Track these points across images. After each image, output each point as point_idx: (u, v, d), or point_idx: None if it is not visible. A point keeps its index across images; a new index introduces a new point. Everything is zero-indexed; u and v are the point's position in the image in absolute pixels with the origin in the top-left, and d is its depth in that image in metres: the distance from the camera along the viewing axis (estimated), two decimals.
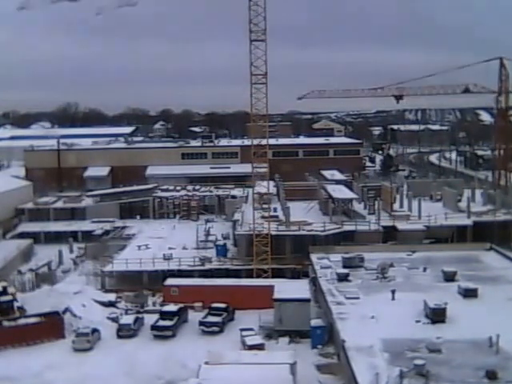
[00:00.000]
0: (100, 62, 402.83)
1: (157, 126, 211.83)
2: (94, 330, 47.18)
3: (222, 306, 50.92)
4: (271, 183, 73.37)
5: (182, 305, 51.68)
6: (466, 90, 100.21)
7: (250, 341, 43.67)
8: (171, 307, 51.11)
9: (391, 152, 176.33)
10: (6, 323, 47.96)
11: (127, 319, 49.68)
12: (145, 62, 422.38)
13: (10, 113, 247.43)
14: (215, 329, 48.73)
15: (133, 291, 58.02)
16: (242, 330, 46.40)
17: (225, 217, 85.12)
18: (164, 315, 49.52)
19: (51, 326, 47.70)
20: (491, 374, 32.95)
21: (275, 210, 72.45)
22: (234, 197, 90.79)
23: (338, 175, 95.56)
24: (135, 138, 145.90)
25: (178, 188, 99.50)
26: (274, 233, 62.71)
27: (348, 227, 65.79)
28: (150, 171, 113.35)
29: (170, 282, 56.96)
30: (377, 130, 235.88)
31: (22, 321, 48.35)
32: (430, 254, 59.83)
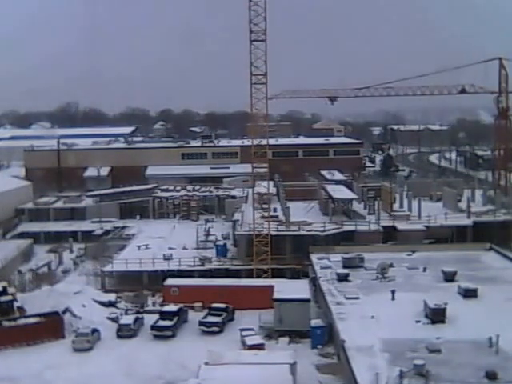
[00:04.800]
0: (100, 62, 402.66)
1: (157, 126, 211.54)
2: (94, 330, 47.20)
3: (222, 306, 50.94)
4: (271, 183, 73.36)
5: (181, 305, 51.72)
6: (463, 91, 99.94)
7: (249, 341, 43.68)
8: (171, 307, 51.12)
9: (391, 152, 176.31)
10: (6, 323, 47.98)
11: (127, 319, 49.69)
12: (144, 63, 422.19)
13: (10, 113, 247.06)
14: (215, 329, 48.73)
15: (133, 291, 58.03)
16: (241, 329, 46.41)
17: (225, 217, 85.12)
18: (164, 315, 49.54)
19: (51, 326, 47.73)
20: (491, 374, 32.94)
21: (275, 210, 72.46)
22: (233, 197, 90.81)
23: (338, 175, 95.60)
24: (135, 138, 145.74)
25: (178, 188, 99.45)
26: (273, 233, 62.71)
27: (348, 227, 65.78)
28: (149, 171, 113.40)
29: (170, 282, 56.98)
30: (377, 130, 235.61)
31: (22, 321, 48.38)
32: (430, 254, 59.83)
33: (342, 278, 52.86)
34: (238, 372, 34.68)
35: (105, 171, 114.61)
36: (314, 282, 56.02)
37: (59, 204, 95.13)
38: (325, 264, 57.34)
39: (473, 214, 69.86)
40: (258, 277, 59.34)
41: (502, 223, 67.82)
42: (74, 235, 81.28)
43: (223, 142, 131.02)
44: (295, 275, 60.46)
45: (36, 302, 50.98)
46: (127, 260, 62.09)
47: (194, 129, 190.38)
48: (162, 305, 54.37)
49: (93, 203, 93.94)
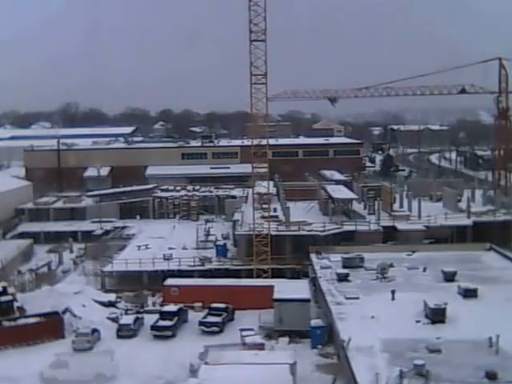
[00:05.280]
0: (101, 63, 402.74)
1: (157, 126, 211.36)
2: (94, 330, 47.21)
3: (222, 306, 50.93)
4: (271, 183, 73.35)
5: (181, 305, 51.73)
6: (463, 91, 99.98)
7: (249, 341, 43.65)
8: (171, 307, 51.13)
9: (391, 152, 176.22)
10: (6, 323, 47.98)
11: (127, 319, 49.70)
12: (145, 62, 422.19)
13: (10, 113, 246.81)
14: (215, 329, 48.73)
15: (133, 291, 58.04)
16: (241, 330, 46.40)
17: (225, 217, 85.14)
18: (164, 315, 49.55)
19: (51, 326, 47.72)
20: (491, 374, 32.93)
21: (275, 210, 72.46)
22: (233, 197, 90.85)
23: (337, 175, 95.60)
24: (135, 138, 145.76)
25: (178, 188, 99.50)
26: (273, 233, 62.71)
27: (348, 227, 65.78)
28: (149, 171, 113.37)
29: (170, 282, 56.98)
30: (377, 130, 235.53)
31: (22, 321, 48.37)
32: (429, 254, 59.85)
33: (342, 278, 52.86)
34: (238, 372, 34.64)
35: (105, 171, 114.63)
36: (314, 282, 56.02)
37: (59, 204, 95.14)
38: (325, 264, 57.35)
39: (473, 213, 69.87)
40: (258, 277, 59.35)
41: (502, 223, 67.83)
42: (74, 235, 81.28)
43: (223, 142, 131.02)
44: (295, 275, 60.46)
45: (36, 302, 50.98)
46: (127, 260, 62.10)
47: (193, 129, 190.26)
48: (161, 305, 54.37)
49: (93, 203, 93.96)
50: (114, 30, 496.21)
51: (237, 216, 71.58)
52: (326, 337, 44.97)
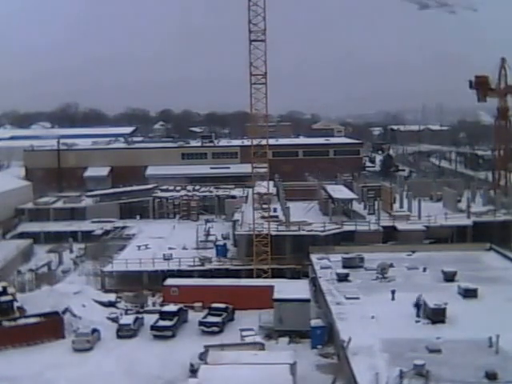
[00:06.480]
0: (100, 63, 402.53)
1: (157, 126, 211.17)
2: (94, 330, 47.23)
3: (222, 306, 50.96)
4: (271, 183, 73.36)
5: (181, 305, 51.73)
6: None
7: (249, 341, 43.61)
8: (171, 307, 51.14)
9: (391, 152, 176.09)
10: (6, 323, 47.99)
11: (127, 319, 49.73)
12: (144, 62, 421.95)
13: (10, 113, 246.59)
14: (215, 329, 48.76)
15: (133, 291, 58.04)
16: (241, 330, 46.41)
17: (225, 217, 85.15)
18: (164, 315, 49.56)
19: (51, 326, 47.74)
20: (491, 374, 32.94)
21: (275, 210, 72.46)
22: (233, 197, 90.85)
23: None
24: (135, 138, 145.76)
25: (178, 188, 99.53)
26: (273, 233, 62.74)
27: (348, 227, 65.79)
28: (149, 171, 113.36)
29: (169, 282, 56.99)
30: (377, 130, 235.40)
31: (22, 321, 48.38)
32: (429, 254, 59.86)
33: (342, 278, 52.87)
34: (237, 372, 34.64)
35: (105, 171, 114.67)
36: (314, 282, 56.03)
37: (59, 204, 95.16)
38: (325, 264, 57.34)
39: (473, 214, 69.87)
40: (258, 277, 59.35)
41: (502, 223, 67.83)
42: (74, 235, 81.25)
43: (223, 142, 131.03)
44: (295, 275, 60.46)
45: (36, 302, 50.99)
46: (127, 260, 62.11)
47: (193, 129, 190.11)
48: (162, 305, 54.39)
49: (93, 203, 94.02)
50: (113, 30, 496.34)
51: (237, 216, 71.60)
52: (326, 337, 44.98)
